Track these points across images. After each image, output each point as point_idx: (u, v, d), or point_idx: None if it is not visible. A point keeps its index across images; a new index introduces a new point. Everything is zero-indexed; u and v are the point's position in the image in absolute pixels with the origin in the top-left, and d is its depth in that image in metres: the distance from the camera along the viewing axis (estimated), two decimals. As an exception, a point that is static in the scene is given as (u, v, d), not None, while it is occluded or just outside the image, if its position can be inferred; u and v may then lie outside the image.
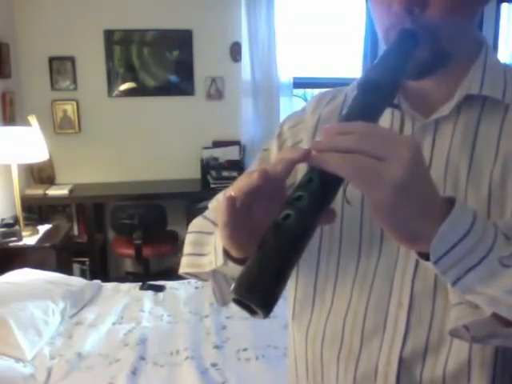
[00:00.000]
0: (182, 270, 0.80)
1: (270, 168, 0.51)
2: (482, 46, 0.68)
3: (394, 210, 0.48)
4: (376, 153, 0.47)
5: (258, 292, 0.46)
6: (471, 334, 0.55)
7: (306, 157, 0.49)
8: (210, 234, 0.74)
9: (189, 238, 0.81)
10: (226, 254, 0.63)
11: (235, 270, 0.63)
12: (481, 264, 0.50)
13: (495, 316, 0.52)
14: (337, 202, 0.70)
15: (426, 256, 0.51)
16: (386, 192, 0.46)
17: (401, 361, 0.67)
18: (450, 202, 0.50)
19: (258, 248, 0.48)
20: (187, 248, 0.81)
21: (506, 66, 0.69)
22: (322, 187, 0.48)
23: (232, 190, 0.53)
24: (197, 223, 0.83)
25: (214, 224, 0.78)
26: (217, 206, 0.82)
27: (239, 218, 0.54)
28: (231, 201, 0.52)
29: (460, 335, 0.56)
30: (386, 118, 0.71)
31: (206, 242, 0.74)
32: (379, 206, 0.48)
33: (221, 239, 0.59)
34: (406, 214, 0.48)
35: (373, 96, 0.55)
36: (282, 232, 0.47)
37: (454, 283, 0.51)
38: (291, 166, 0.51)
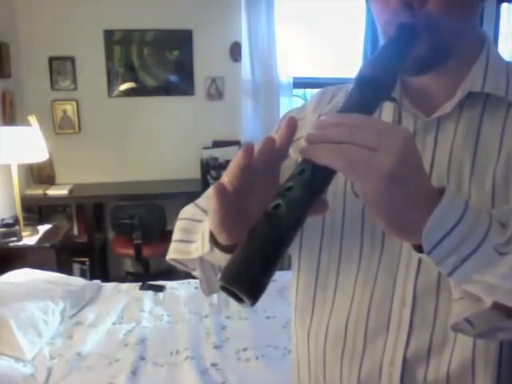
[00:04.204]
0: (169, 256, 0.80)
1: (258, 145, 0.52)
2: (484, 44, 0.68)
3: (387, 200, 0.47)
4: (367, 143, 0.46)
5: (244, 280, 0.46)
6: (475, 329, 0.54)
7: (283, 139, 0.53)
8: (200, 221, 0.74)
9: (178, 225, 0.80)
10: (214, 240, 0.62)
11: (221, 258, 0.62)
12: (476, 252, 0.49)
13: (496, 307, 0.51)
14: (339, 197, 0.70)
15: (421, 248, 0.50)
16: (377, 182, 0.46)
17: (405, 361, 0.66)
18: (442, 193, 0.50)
19: (248, 236, 0.49)
20: (176, 234, 0.80)
21: (508, 63, 0.69)
22: (313, 179, 0.49)
23: (224, 175, 0.53)
24: (188, 210, 0.82)
25: (205, 212, 0.77)
26: (208, 192, 0.82)
27: (230, 204, 0.53)
28: (221, 186, 0.52)
29: (463, 330, 0.55)
30: (388, 115, 0.70)
31: (195, 230, 0.73)
32: (372, 196, 0.48)
33: (210, 225, 0.58)
34: (398, 204, 0.48)
35: (368, 91, 0.55)
36: (271, 221, 0.48)
37: (450, 273, 0.50)
38: (273, 143, 0.53)
